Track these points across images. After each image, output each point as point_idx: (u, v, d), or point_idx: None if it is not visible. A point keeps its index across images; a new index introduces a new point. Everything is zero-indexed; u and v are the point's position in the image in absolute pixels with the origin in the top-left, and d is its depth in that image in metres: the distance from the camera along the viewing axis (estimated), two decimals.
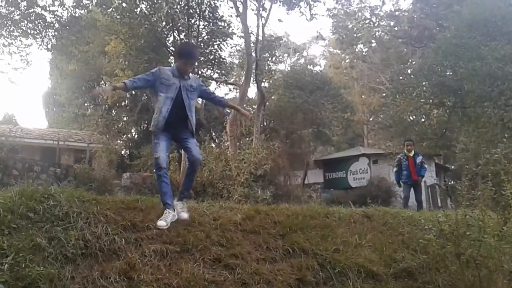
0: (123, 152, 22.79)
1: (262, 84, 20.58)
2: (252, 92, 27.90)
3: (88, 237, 3.43)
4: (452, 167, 24.06)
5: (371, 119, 30.77)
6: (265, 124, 20.84)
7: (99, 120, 21.25)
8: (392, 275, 4.28)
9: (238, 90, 23.06)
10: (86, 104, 25.46)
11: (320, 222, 4.91)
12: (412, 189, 9.07)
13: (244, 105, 20.57)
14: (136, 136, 25.57)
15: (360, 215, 5.46)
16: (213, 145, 19.53)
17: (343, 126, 23.08)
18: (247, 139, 17.83)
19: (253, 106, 22.19)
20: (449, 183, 14.86)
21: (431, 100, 14.48)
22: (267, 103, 19.75)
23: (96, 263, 3.32)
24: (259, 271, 3.83)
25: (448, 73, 13.57)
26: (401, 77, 19.02)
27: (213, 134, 24.88)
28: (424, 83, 14.33)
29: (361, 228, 5.03)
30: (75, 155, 18.53)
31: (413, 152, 9.24)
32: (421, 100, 14.42)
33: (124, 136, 24.14)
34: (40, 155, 16.75)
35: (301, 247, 4.30)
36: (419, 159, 9.16)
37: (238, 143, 16.86)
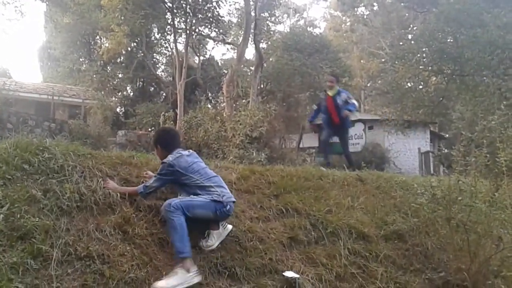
0: (118, 109, 22.66)
1: (261, 45, 20.25)
2: (250, 53, 27.46)
3: (83, 190, 3.44)
4: (447, 135, 24.16)
5: (368, 85, 30.62)
6: (262, 86, 20.67)
7: (94, 76, 20.94)
8: (382, 236, 4.38)
9: (235, 51, 22.74)
10: (81, 59, 25.02)
11: (314, 184, 4.98)
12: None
13: (242, 66, 20.35)
14: (131, 93, 25.36)
15: (354, 179, 5.52)
16: (209, 106, 19.44)
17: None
18: (244, 100, 17.73)
19: (251, 68, 21.91)
20: (443, 151, 14.93)
21: (430, 67, 14.31)
22: (265, 65, 19.50)
23: (91, 216, 3.35)
24: (253, 229, 3.91)
25: (449, 39, 13.36)
26: (401, 43, 18.75)
27: (209, 94, 24.73)
28: (424, 49, 14.12)
29: (354, 190, 5.10)
30: (69, 111, 18.39)
31: (335, 91, 7.30)
32: (420, 67, 14.26)
33: (120, 94, 23.90)
34: (34, 110, 16.60)
35: (295, 207, 4.38)
36: (342, 96, 7.16)
37: (234, 105, 16.78)
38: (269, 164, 8.81)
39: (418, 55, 14.13)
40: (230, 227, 3.70)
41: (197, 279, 3.16)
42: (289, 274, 3.54)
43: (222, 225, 3.64)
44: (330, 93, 7.38)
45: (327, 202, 4.61)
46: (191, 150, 3.83)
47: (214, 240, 3.55)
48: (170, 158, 3.55)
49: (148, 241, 3.38)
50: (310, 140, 21.97)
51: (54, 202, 3.23)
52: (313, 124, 8.27)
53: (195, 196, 3.47)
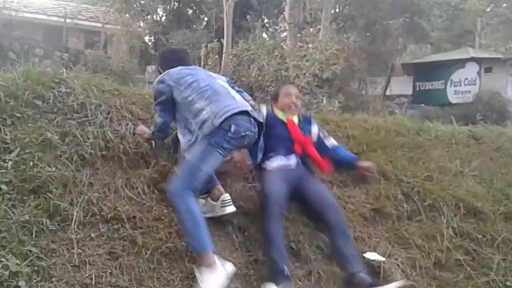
0: (147, 38, 22.97)
1: None
2: None
3: (110, 136, 3.57)
4: None
5: (488, 9, 28.97)
6: (338, 9, 20.12)
7: None
8: (501, 214, 4.32)
9: None
10: None
11: (409, 141, 4.93)
12: None
13: None
14: (164, 17, 25.53)
15: (465, 135, 5.41)
16: (265, 35, 19.27)
17: (448, 17, 21.87)
18: (312, 29, 17.38)
19: None
20: None
21: None
22: None
23: (119, 168, 3.49)
24: None
25: None
26: None
27: (266, 20, 24.43)
28: None
29: (465, 152, 5.03)
30: (86, 38, 18.75)
31: None
32: None
33: (149, 17, 24.13)
34: (42, 36, 17.01)
35: (381, 170, 4.36)
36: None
37: (299, 34, 16.51)
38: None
39: None
40: (229, 209, 3.43)
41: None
42: (371, 256, 3.57)
43: (222, 199, 3.43)
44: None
45: (426, 166, 4.56)
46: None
47: (204, 209, 3.43)
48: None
49: None
50: (401, 86, 21.48)
51: (74, 149, 3.37)
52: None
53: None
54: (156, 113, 3.54)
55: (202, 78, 3.45)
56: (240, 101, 3.38)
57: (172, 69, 3.50)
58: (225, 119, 3.15)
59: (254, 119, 3.36)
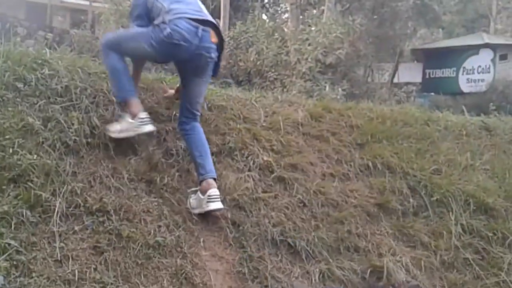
0: None
1: None
2: None
3: (96, 122, 3.55)
4: None
5: None
6: None
7: None
8: None
9: None
10: None
11: (416, 131, 4.94)
12: None
13: None
14: None
15: (477, 127, 5.42)
16: (265, 17, 19.23)
17: None
18: (315, 10, 17.37)
19: None
20: None
21: None
22: None
23: (105, 157, 3.47)
24: (325, 189, 3.96)
25: None
26: None
27: (266, 0, 24.38)
28: None
29: (476, 144, 5.04)
30: (72, 17, 18.75)
31: None
32: None
33: None
34: (24, 13, 17.01)
35: (386, 162, 4.37)
36: None
37: (301, 16, 16.49)
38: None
39: None
40: (214, 206, 3.41)
41: (148, 128, 3.47)
42: None
43: (209, 194, 3.40)
44: None
45: (434, 158, 4.57)
46: None
47: (194, 204, 3.49)
48: None
49: (181, 196, 3.51)
50: (410, 73, 21.48)
51: (57, 136, 3.35)
52: None
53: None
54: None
55: None
56: (207, 14, 3.58)
57: None
58: (175, 18, 3.36)
59: (219, 40, 3.55)
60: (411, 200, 4.14)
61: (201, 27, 3.39)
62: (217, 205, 3.39)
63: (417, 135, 4.86)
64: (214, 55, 3.52)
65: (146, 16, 3.58)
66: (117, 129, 3.49)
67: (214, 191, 3.40)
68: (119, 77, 3.53)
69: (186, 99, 3.68)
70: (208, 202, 3.38)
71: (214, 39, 3.49)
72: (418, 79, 21.37)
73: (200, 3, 3.69)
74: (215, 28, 3.52)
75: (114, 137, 3.50)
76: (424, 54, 21.90)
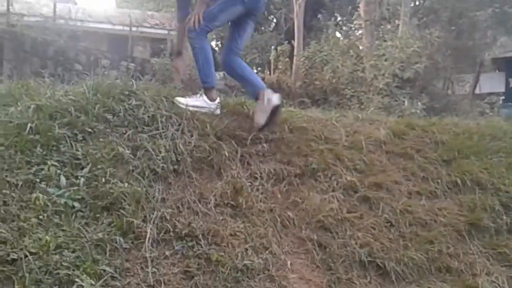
0: (213, 43, 23.38)
1: None
2: None
3: (181, 148, 3.65)
4: None
5: None
6: (418, 2, 19.77)
7: None
8: None
9: None
10: None
11: (506, 145, 4.78)
12: None
13: None
14: None
15: None
16: (339, 34, 19.18)
17: None
18: (390, 25, 17.15)
19: None
20: None
21: None
22: None
23: (190, 182, 3.55)
24: (412, 208, 3.88)
25: None
26: None
27: (339, 18, 24.32)
28: None
29: None
30: (152, 46, 19.34)
31: None
32: None
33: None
34: (107, 45, 17.71)
35: (476, 178, 4.26)
36: None
37: (376, 32, 16.34)
38: (428, 117, 8.57)
39: None
40: (274, 100, 4.11)
41: (218, 111, 4.21)
42: None
43: (264, 94, 4.13)
44: None
45: None
46: None
47: (258, 117, 4.08)
48: None
49: (267, 219, 3.50)
50: (492, 83, 20.79)
51: (146, 164, 3.45)
52: None
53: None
54: None
55: None
56: None
57: None
58: None
59: None
60: (504, 217, 3.99)
61: None
62: (275, 98, 4.10)
63: (507, 149, 4.70)
64: None
65: None
66: (189, 103, 4.06)
67: (269, 92, 4.13)
68: (210, 67, 4.24)
69: (234, 43, 4.46)
70: (268, 102, 4.05)
71: None
72: (501, 88, 20.69)
73: None
74: None
75: (181, 106, 4.02)
76: (506, 63, 21.20)
